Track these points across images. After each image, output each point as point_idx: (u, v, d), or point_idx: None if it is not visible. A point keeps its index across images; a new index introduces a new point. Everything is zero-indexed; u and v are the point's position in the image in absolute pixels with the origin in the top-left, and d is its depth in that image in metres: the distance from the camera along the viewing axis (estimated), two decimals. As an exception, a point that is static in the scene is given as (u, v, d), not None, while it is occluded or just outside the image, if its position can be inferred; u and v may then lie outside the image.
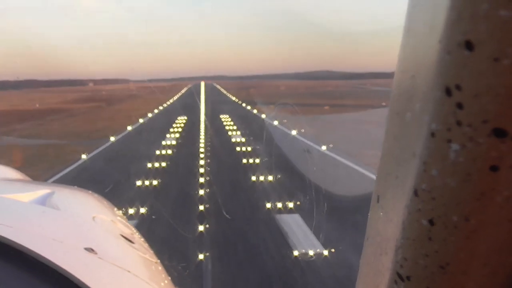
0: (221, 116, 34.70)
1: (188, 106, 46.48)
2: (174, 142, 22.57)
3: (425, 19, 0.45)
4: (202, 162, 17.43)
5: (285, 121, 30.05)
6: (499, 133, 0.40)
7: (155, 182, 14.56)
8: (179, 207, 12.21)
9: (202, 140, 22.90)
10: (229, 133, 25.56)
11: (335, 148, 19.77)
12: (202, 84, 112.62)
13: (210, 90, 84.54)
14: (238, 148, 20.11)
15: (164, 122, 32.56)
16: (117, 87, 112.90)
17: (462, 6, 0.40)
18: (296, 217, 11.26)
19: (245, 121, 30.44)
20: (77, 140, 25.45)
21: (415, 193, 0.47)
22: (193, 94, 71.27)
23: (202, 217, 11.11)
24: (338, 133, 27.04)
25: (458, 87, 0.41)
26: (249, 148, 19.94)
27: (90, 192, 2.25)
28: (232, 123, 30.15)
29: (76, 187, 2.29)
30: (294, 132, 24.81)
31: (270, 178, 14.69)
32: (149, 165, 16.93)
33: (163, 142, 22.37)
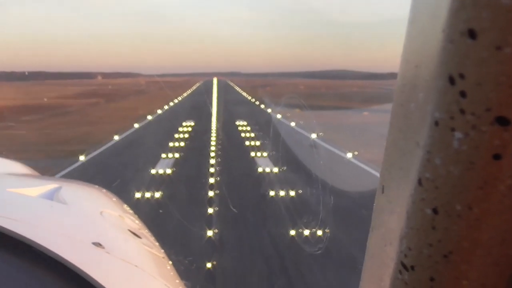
0: (238, 123, 26.53)
1: (198, 106, 38.45)
2: (169, 171, 14.40)
3: (429, 8, 0.45)
4: (210, 232, 9.16)
5: (322, 134, 21.84)
6: (502, 121, 0.39)
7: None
8: None
9: (211, 168, 14.70)
10: (251, 153, 17.35)
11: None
12: (215, 80, 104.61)
13: (223, 87, 76.40)
14: (272, 193, 11.82)
15: (164, 130, 24.49)
16: (126, 81, 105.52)
17: None
18: None
19: (269, 132, 22.30)
20: (34, 158, 17.37)
21: (419, 182, 0.46)
22: (205, 91, 63.32)
23: None
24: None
25: (461, 76, 0.40)
26: (291, 193, 11.65)
27: (98, 187, 2.21)
28: (253, 135, 21.96)
29: (83, 182, 2.26)
30: (349, 155, 16.56)
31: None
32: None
33: (153, 171, 14.26)
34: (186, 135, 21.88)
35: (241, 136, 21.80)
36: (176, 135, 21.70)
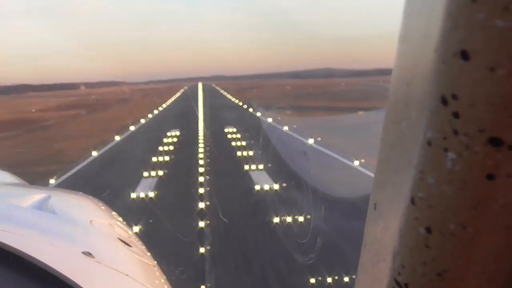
0: (227, 130, 24.46)
1: (183, 113, 36.36)
2: (151, 194, 12.26)
3: (420, 27, 0.44)
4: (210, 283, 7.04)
5: (319, 138, 19.92)
6: (495, 142, 0.39)
7: None
8: None
9: (201, 189, 12.57)
10: (245, 166, 15.27)
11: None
12: (200, 85, 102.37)
13: (209, 91, 74.09)
14: (276, 219, 9.69)
15: (147, 142, 22.33)
16: (110, 90, 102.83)
17: (458, 15, 0.39)
18: None
19: (261, 139, 20.30)
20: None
21: (412, 201, 0.46)
22: (190, 97, 61.09)
23: None
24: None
25: (454, 97, 0.40)
26: (300, 218, 9.54)
27: (87, 196, 2.20)
28: (244, 143, 19.88)
29: (73, 191, 2.26)
30: (356, 163, 14.58)
31: None
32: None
33: (133, 194, 12.11)
34: (171, 147, 19.74)
35: (232, 145, 19.71)
36: (160, 148, 19.57)
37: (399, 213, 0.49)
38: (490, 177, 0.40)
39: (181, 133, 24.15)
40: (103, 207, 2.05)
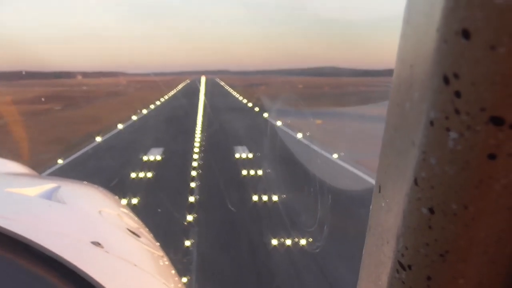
0: (238, 155, 15.21)
1: (177, 117, 27.13)
2: None
3: (423, 8, 0.44)
4: None
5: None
6: (496, 121, 0.39)
7: None
8: None
9: None
10: (290, 271, 5.91)
11: None
12: (203, 79, 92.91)
13: (212, 87, 64.85)
14: None
15: (105, 175, 13.05)
16: (105, 81, 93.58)
17: None
18: None
19: (301, 180, 11.10)
20: None
21: (415, 182, 0.46)
22: (191, 92, 51.80)
23: None
24: None
25: (456, 75, 0.39)
26: None
27: (96, 186, 2.16)
28: (276, 197, 10.55)
29: (82, 181, 2.19)
30: None
31: None
32: None
33: None
34: (135, 201, 10.29)
35: (248, 196, 10.36)
36: (119, 193, 10.21)
37: (402, 194, 0.48)
38: (492, 156, 0.40)
39: (164, 157, 14.86)
40: (112, 198, 2.00)
